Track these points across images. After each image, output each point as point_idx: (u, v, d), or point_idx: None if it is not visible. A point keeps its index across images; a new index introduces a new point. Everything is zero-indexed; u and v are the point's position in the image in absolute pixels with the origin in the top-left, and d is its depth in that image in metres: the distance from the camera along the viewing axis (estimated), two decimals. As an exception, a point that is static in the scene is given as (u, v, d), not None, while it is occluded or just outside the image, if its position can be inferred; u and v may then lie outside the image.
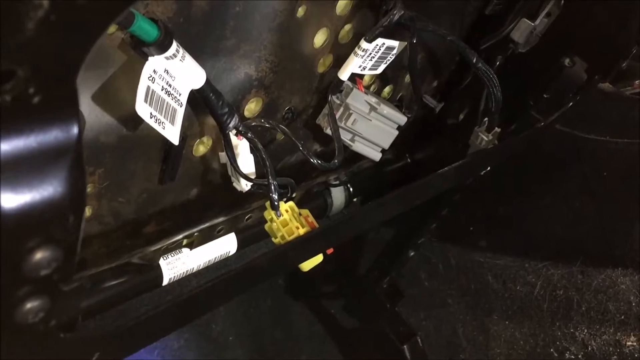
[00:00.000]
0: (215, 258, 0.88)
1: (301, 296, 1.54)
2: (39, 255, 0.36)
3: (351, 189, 1.10)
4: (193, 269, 0.86)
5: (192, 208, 0.83)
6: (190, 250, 0.86)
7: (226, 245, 0.90)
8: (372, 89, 0.93)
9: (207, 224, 0.92)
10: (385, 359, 1.41)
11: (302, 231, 0.72)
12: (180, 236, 0.89)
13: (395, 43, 0.81)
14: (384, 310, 1.41)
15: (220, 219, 0.94)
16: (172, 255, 0.84)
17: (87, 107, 0.61)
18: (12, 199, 0.34)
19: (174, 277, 0.84)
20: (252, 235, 0.97)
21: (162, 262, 0.83)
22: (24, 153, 0.34)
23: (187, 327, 1.46)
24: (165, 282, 0.83)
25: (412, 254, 1.37)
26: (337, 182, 1.09)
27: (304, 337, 1.50)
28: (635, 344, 1.33)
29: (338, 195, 1.09)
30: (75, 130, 0.35)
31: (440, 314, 1.46)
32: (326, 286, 1.58)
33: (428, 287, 1.49)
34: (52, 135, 0.34)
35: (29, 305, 0.38)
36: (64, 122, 0.35)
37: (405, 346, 1.36)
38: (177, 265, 0.85)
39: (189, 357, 1.44)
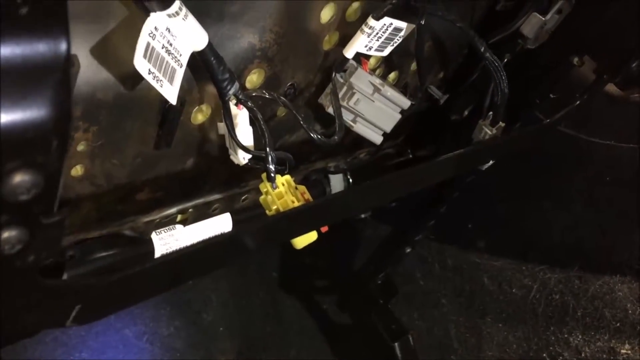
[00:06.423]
0: (210, 238, 0.86)
1: (294, 290, 1.52)
2: (18, 178, 0.34)
3: (350, 180, 1.09)
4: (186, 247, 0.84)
5: (187, 178, 0.82)
6: (184, 227, 0.84)
7: (221, 225, 0.88)
8: (377, 73, 0.92)
9: (201, 200, 0.91)
10: (376, 356, 1.39)
11: (297, 205, 0.71)
12: (174, 209, 0.88)
13: (403, 24, 0.80)
14: (377, 306, 1.39)
15: (216, 196, 0.93)
16: (165, 231, 0.82)
17: (85, 60, 0.60)
18: (-8, 114, 0.32)
19: (166, 254, 0.83)
20: (248, 218, 0.95)
21: (155, 237, 0.82)
22: (7, 66, 0.32)
23: (178, 314, 1.45)
24: (156, 258, 0.81)
25: (408, 250, 1.35)
26: (337, 170, 1.07)
27: (294, 332, 1.49)
28: (629, 352, 1.31)
29: (337, 185, 1.08)
30: (63, 48, 0.34)
31: (434, 314, 1.45)
32: (320, 281, 1.57)
33: (423, 286, 1.48)
34: (38, 51, 0.33)
35: (5, 234, 0.36)
36: (51, 38, 0.33)
37: (396, 344, 1.34)
38: (169, 241, 0.83)
39: (178, 345, 1.43)
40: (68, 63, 0.35)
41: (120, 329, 1.41)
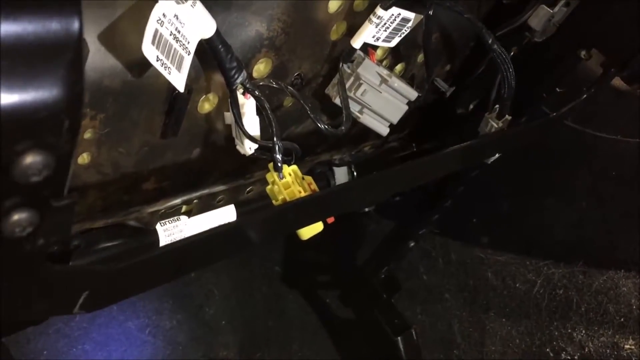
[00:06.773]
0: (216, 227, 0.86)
1: (297, 285, 1.52)
2: (29, 159, 0.34)
3: (355, 173, 1.09)
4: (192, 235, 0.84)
5: (192, 169, 0.82)
6: (189, 218, 0.84)
7: (226, 216, 0.88)
8: (384, 64, 0.91)
9: (207, 191, 0.90)
10: (378, 351, 1.39)
11: (304, 195, 0.71)
12: (179, 200, 0.88)
13: (411, 15, 0.79)
14: (380, 301, 1.39)
15: (221, 187, 0.92)
16: (170, 222, 0.82)
17: (93, 46, 0.59)
18: (4, 93, 0.32)
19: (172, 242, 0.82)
20: (253, 210, 0.95)
21: (159, 228, 0.82)
22: (19, 44, 0.32)
23: (180, 308, 1.45)
24: (160, 249, 0.81)
25: (412, 245, 1.35)
26: (341, 163, 1.07)
27: (296, 326, 1.49)
28: (633, 347, 1.31)
29: (341, 178, 1.07)
30: (75, 26, 0.33)
31: (437, 309, 1.45)
32: (323, 275, 1.57)
33: (426, 281, 1.48)
34: (50, 29, 0.32)
35: (16, 216, 0.36)
36: (64, 17, 0.33)
37: (398, 338, 1.34)
38: (174, 232, 0.83)
39: (180, 338, 1.43)
40: (80, 42, 0.34)
41: (123, 322, 1.41)
